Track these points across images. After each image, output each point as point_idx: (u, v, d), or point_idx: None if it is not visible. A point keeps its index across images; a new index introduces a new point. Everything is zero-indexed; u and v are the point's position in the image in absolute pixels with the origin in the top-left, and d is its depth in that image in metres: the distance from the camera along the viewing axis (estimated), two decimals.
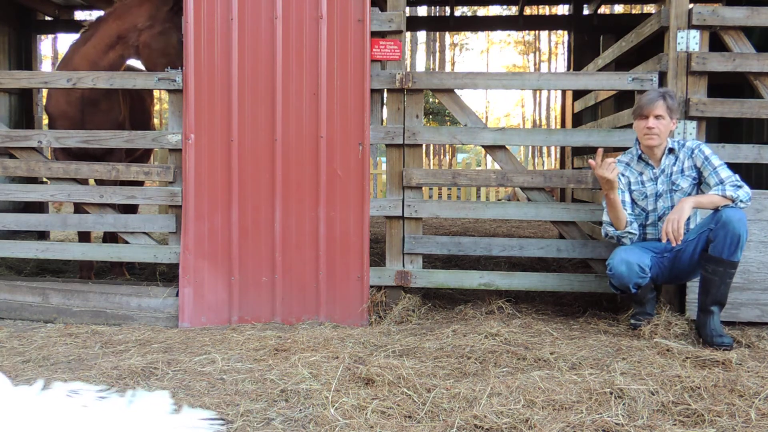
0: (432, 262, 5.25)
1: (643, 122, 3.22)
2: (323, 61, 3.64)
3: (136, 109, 4.86)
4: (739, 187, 3.07)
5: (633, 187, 3.33)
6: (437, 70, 30.02)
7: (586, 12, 7.09)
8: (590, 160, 3.19)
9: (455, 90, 3.73)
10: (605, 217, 3.29)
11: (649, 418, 2.15)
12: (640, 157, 3.32)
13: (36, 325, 3.67)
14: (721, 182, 3.11)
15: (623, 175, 3.34)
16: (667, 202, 3.27)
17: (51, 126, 4.47)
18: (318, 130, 3.66)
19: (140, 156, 5.16)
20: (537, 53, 35.75)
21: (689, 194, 3.25)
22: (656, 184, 3.29)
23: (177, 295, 3.72)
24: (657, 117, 3.18)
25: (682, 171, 3.26)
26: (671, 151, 3.28)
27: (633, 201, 3.33)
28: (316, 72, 3.65)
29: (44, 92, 7.42)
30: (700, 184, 3.26)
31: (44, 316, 3.75)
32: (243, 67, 3.67)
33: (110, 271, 4.77)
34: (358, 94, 3.64)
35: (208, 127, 3.68)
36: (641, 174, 3.33)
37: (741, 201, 3.04)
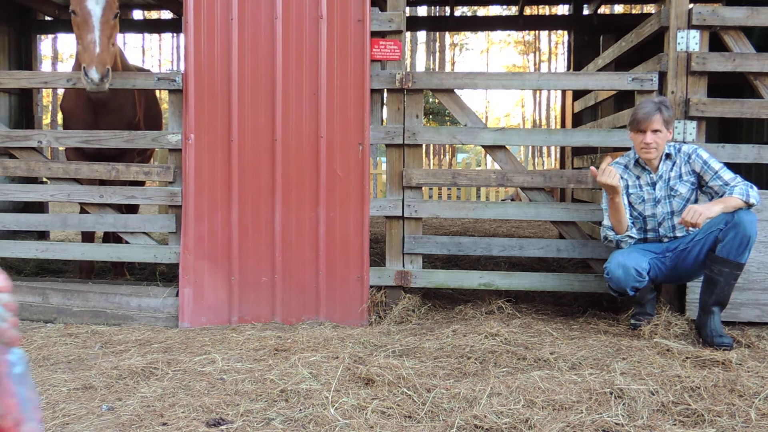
0: (432, 262, 5.25)
1: (640, 137, 3.17)
2: (323, 61, 3.64)
3: (151, 110, 4.84)
4: (750, 187, 3.06)
5: (630, 191, 3.32)
6: (437, 70, 30.02)
7: (586, 12, 7.09)
8: (592, 168, 3.19)
9: (455, 90, 3.73)
10: (606, 221, 3.27)
11: (649, 418, 2.15)
12: (637, 161, 3.31)
13: (36, 325, 3.67)
14: (726, 184, 3.08)
15: (621, 177, 3.32)
16: (666, 207, 3.26)
17: (65, 125, 4.45)
18: (318, 130, 3.66)
19: (145, 155, 5.17)
20: (537, 53, 35.74)
21: (688, 199, 3.24)
22: (654, 189, 3.28)
23: (177, 295, 3.72)
24: (654, 131, 3.14)
25: (680, 176, 3.24)
26: (668, 156, 3.26)
27: (630, 204, 3.32)
28: (316, 72, 3.65)
29: (44, 92, 7.42)
30: (701, 187, 3.25)
31: (44, 316, 3.75)
32: (243, 67, 3.66)
33: (111, 272, 4.77)
34: (358, 94, 3.64)
35: (208, 127, 3.68)
36: (638, 178, 3.32)
37: (756, 203, 3.03)
